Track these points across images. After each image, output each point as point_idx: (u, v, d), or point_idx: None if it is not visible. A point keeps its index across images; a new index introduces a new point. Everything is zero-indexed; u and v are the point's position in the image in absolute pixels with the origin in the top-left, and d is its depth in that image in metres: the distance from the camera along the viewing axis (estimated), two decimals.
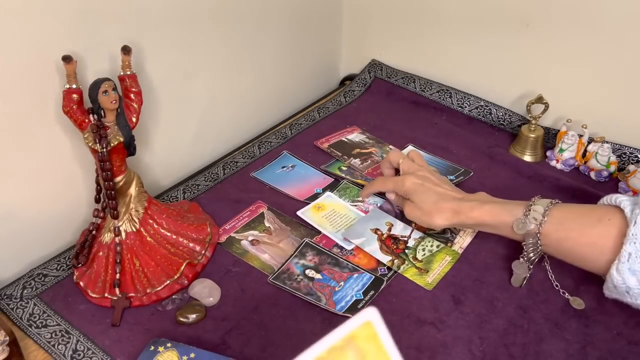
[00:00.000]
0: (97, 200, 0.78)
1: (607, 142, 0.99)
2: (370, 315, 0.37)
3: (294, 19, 1.15)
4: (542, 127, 1.05)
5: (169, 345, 0.67)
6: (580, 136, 1.00)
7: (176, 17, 0.89)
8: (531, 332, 0.71)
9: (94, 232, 0.78)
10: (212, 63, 1.00)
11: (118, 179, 0.75)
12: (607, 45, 0.97)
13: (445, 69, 1.20)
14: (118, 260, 0.75)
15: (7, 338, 0.65)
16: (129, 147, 0.74)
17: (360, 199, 0.93)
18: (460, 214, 0.77)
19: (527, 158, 1.04)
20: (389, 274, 0.79)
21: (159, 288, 0.75)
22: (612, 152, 0.98)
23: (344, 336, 0.36)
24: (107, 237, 0.77)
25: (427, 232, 0.86)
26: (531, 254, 0.73)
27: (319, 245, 0.84)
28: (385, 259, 0.81)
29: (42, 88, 0.74)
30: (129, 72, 0.73)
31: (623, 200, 0.67)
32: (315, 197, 0.94)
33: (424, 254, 0.82)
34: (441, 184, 0.81)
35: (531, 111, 1.03)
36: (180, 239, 0.80)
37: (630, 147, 0.99)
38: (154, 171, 0.96)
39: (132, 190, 0.77)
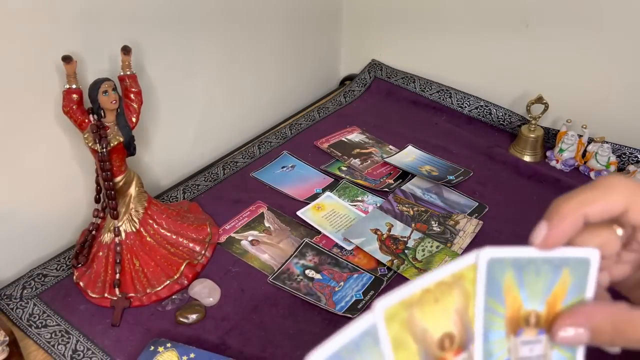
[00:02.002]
0: (97, 201, 0.78)
1: (607, 142, 0.99)
2: (478, 259, 0.35)
3: (294, 19, 1.15)
4: (542, 127, 1.05)
5: (168, 345, 0.67)
6: (580, 136, 1.00)
7: (176, 17, 0.89)
8: None
9: (93, 232, 0.78)
10: (212, 63, 1.00)
11: (118, 179, 0.75)
12: (607, 45, 0.97)
13: (445, 69, 1.20)
14: (118, 261, 0.75)
15: (7, 338, 0.65)
16: (129, 147, 0.74)
17: (359, 199, 0.93)
18: None
19: (527, 158, 1.04)
20: (389, 274, 0.79)
21: (159, 288, 0.75)
22: (612, 152, 0.98)
23: (454, 273, 0.35)
24: (107, 237, 0.77)
25: (427, 232, 0.86)
26: None
27: (318, 246, 0.84)
28: (385, 259, 0.81)
29: (42, 88, 0.74)
30: (128, 72, 0.73)
31: None
32: (315, 197, 0.94)
33: (424, 255, 0.82)
34: None
35: (531, 111, 1.03)
36: (180, 239, 0.80)
37: (630, 148, 0.99)
38: (153, 171, 0.96)
39: (132, 190, 0.77)
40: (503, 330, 0.36)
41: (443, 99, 1.18)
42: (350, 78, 1.34)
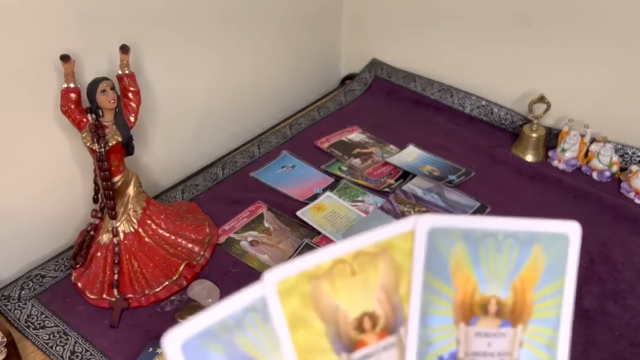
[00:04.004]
0: (95, 201, 0.77)
1: (609, 142, 0.98)
2: (417, 226, 0.29)
3: (294, 18, 1.14)
4: (544, 126, 1.04)
5: None
6: (583, 136, 1.00)
7: (175, 17, 0.88)
8: None
9: (92, 232, 0.77)
10: (211, 62, 0.99)
11: (116, 178, 0.75)
12: (609, 45, 0.96)
13: (446, 68, 1.19)
14: (116, 261, 0.75)
15: (5, 339, 0.65)
16: (127, 146, 0.74)
17: (360, 199, 0.93)
18: None
19: (529, 158, 1.03)
20: None
21: (158, 289, 0.75)
22: (615, 152, 0.97)
23: (379, 242, 0.29)
24: (105, 237, 0.76)
25: None
26: None
27: (318, 246, 0.83)
28: None
29: (41, 87, 0.74)
30: (127, 71, 0.73)
31: None
32: (315, 197, 0.93)
33: None
34: None
35: (533, 111, 1.02)
36: (179, 240, 0.80)
37: (633, 147, 0.99)
38: (152, 171, 0.96)
39: (131, 190, 0.76)
40: (450, 316, 0.30)
41: (444, 99, 1.18)
42: (350, 77, 1.33)
